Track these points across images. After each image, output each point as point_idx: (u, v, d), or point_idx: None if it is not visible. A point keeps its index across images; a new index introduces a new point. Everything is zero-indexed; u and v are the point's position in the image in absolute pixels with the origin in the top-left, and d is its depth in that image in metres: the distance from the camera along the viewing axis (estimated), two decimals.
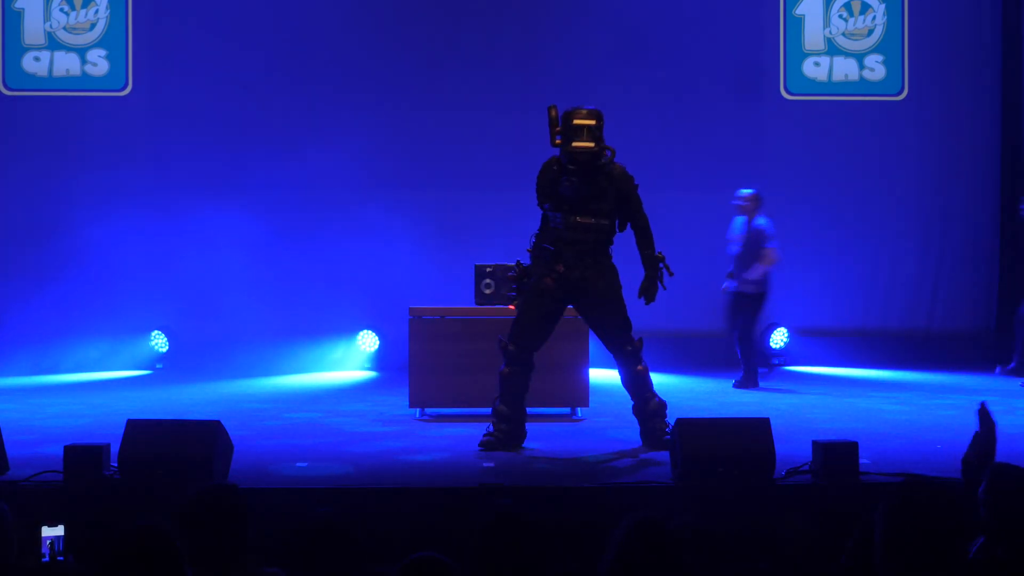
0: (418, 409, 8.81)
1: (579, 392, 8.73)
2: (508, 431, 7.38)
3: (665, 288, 7.53)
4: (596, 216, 7.38)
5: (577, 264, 7.37)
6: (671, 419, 6.52)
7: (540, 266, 7.45)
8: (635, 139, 12.78)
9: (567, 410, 8.83)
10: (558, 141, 7.37)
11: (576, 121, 7.30)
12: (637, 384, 7.43)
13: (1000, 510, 3.74)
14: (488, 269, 9.01)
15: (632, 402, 7.51)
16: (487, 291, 8.96)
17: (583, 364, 8.68)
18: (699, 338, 12.68)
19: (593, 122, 7.33)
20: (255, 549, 4.15)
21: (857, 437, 6.41)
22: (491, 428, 7.40)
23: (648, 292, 7.46)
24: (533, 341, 7.43)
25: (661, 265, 7.48)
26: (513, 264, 7.65)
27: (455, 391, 8.72)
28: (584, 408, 8.78)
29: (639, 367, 7.44)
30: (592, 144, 7.31)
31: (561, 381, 8.59)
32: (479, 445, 7.33)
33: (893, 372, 11.63)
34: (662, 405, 7.41)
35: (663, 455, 6.57)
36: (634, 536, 3.59)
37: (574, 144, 7.28)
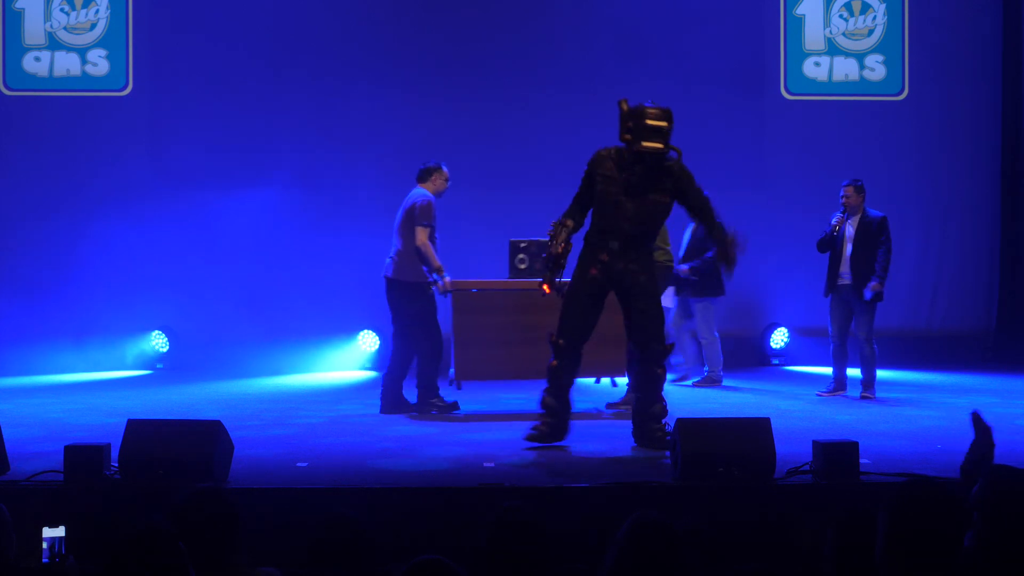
0: (453, 385, 9.18)
1: (607, 362, 8.88)
2: (555, 425, 7.40)
3: (742, 251, 7.31)
4: (648, 211, 7.36)
5: (622, 255, 7.34)
6: (671, 418, 6.52)
7: (586, 255, 7.43)
8: None
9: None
10: (627, 136, 7.29)
11: (649, 122, 7.21)
12: (649, 385, 7.39)
13: (995, 511, 3.74)
14: (522, 244, 9.23)
15: (635, 400, 7.50)
16: (521, 266, 9.18)
17: (612, 333, 8.58)
18: None
19: (665, 124, 7.26)
20: (254, 549, 4.14)
21: (858, 437, 6.41)
22: (538, 421, 7.40)
23: (725, 257, 7.29)
24: (581, 335, 7.40)
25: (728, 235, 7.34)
26: (547, 240, 7.50)
27: (497, 363, 8.91)
28: (621, 378, 9.09)
29: (659, 369, 7.40)
30: (661, 145, 7.25)
31: (603, 351, 8.64)
32: (526, 438, 7.34)
33: (893, 372, 11.62)
34: (664, 412, 7.39)
35: (664, 455, 6.56)
36: (637, 535, 3.59)
37: (644, 144, 7.22)
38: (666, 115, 7.29)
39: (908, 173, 13.17)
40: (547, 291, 7.38)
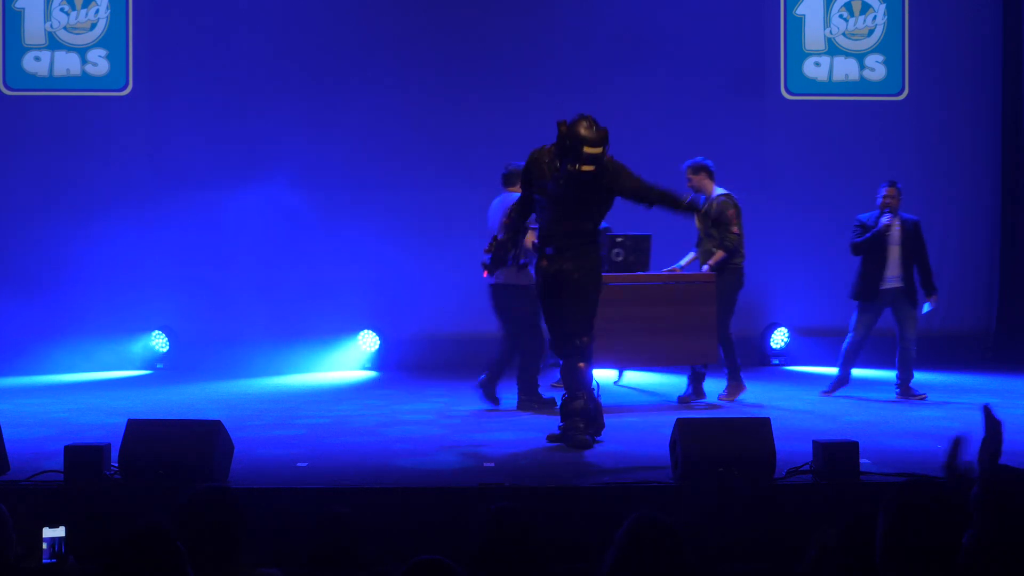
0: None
1: (708, 350, 9.35)
2: (595, 423, 7.53)
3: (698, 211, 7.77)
4: (582, 219, 7.52)
5: (558, 257, 7.51)
6: (672, 418, 6.51)
7: (538, 265, 7.66)
8: (636, 138, 12.80)
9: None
10: (563, 156, 7.36)
11: (587, 150, 7.29)
12: (573, 379, 7.49)
13: (994, 511, 3.74)
14: (618, 239, 9.61)
15: (562, 396, 7.60)
16: (617, 259, 9.55)
17: (711, 324, 9.28)
18: None
19: (600, 151, 7.35)
20: (254, 549, 4.14)
21: (858, 437, 6.41)
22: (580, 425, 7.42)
23: (698, 218, 7.67)
24: (536, 334, 7.78)
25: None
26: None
27: (616, 352, 9.32)
28: (712, 364, 9.50)
29: (581, 363, 7.50)
30: (594, 168, 7.36)
31: (691, 340, 9.27)
32: (580, 446, 7.33)
33: (894, 372, 11.61)
34: (584, 407, 7.43)
35: (664, 454, 6.56)
36: (635, 534, 3.58)
37: (580, 167, 7.31)
38: (602, 139, 7.38)
39: (908, 173, 13.15)
40: (487, 274, 7.94)
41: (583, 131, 7.33)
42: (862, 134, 13.21)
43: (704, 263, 9.57)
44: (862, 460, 6.19)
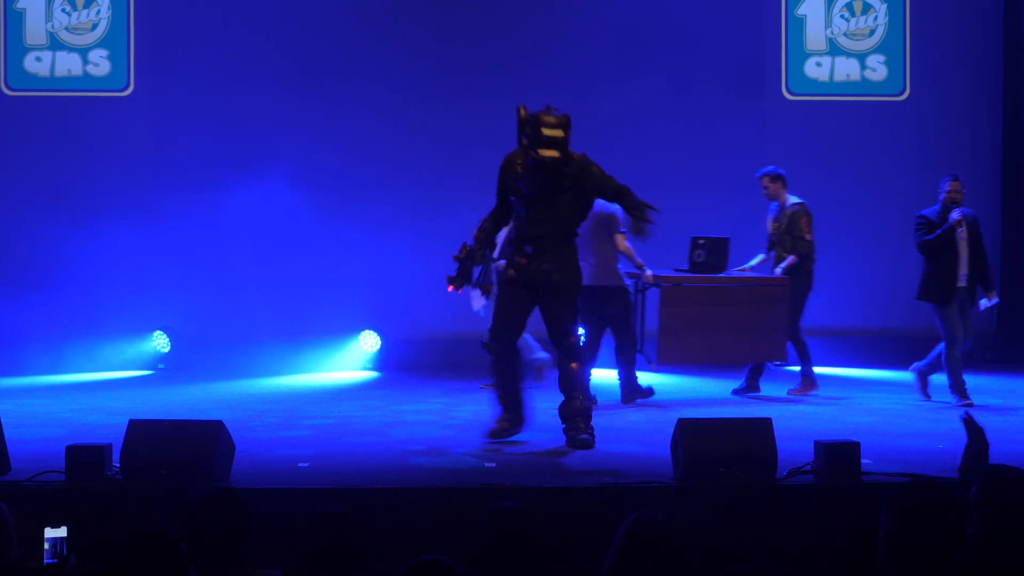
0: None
1: (777, 348, 9.81)
2: (513, 419, 7.59)
3: (649, 222, 7.57)
4: (557, 212, 7.54)
5: (537, 256, 7.52)
6: (674, 418, 6.51)
7: (509, 259, 7.73)
8: (636, 138, 12.83)
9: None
10: (524, 142, 7.52)
11: (545, 132, 7.38)
12: (567, 381, 7.53)
13: (993, 510, 3.74)
14: (701, 241, 9.95)
15: (561, 398, 7.61)
16: (698, 260, 9.90)
17: (782, 323, 9.76)
18: None
19: (560, 134, 7.41)
20: (255, 550, 4.15)
21: (859, 437, 6.41)
22: (498, 417, 7.58)
23: (639, 228, 7.56)
24: (513, 334, 7.65)
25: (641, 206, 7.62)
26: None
27: (698, 349, 9.87)
28: (781, 362, 10.04)
29: (573, 364, 7.54)
30: (557, 154, 7.40)
31: (762, 339, 9.75)
32: (488, 435, 7.50)
33: (895, 372, 11.61)
34: (583, 407, 7.49)
35: (665, 454, 6.56)
36: (636, 534, 3.58)
37: (541, 152, 7.39)
38: (562, 123, 7.42)
39: (909, 173, 13.15)
40: (449, 287, 7.77)
41: (542, 115, 7.42)
42: (863, 134, 13.20)
43: (776, 266, 10.01)
44: (863, 460, 6.20)
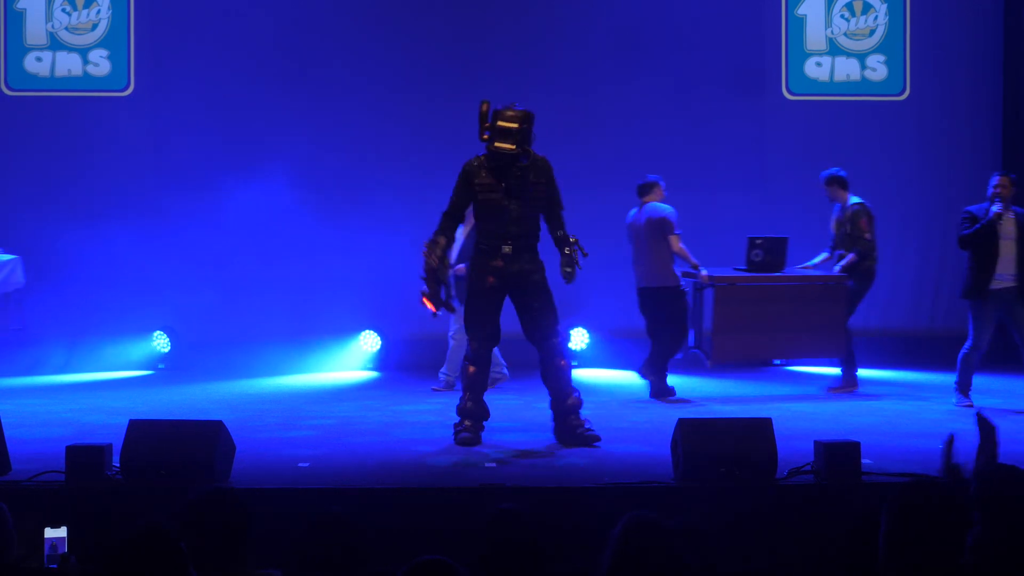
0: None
1: (835, 345, 10.04)
2: (477, 428, 7.63)
3: (581, 268, 7.69)
4: (530, 209, 7.61)
5: (515, 258, 7.57)
6: (673, 419, 6.52)
7: (480, 263, 7.65)
8: (636, 138, 12.82)
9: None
10: (485, 137, 7.57)
11: (500, 123, 7.49)
12: (557, 378, 7.59)
13: (994, 510, 3.74)
14: (758, 241, 10.23)
15: (549, 397, 7.66)
16: (756, 259, 10.16)
17: (839, 320, 9.94)
18: (701, 338, 12.66)
19: (515, 126, 7.49)
20: (255, 550, 4.15)
21: (859, 437, 6.41)
22: (462, 424, 7.60)
23: (570, 274, 7.65)
24: (491, 339, 7.67)
25: (576, 248, 7.68)
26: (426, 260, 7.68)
27: (751, 346, 10.18)
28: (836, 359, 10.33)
29: (562, 361, 7.63)
30: (513, 147, 7.48)
31: (819, 337, 10.03)
32: (458, 443, 7.50)
33: (895, 372, 11.62)
34: (578, 402, 7.60)
35: (665, 454, 6.56)
36: (630, 535, 3.59)
37: (496, 144, 7.48)
38: (519, 118, 7.52)
39: (910, 173, 13.16)
40: (432, 308, 7.73)
41: (502, 110, 7.54)
42: (863, 134, 13.19)
43: (836, 265, 10.20)
44: (864, 460, 6.20)
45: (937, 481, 5.35)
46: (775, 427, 6.30)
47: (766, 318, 9.95)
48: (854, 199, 10.24)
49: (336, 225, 12.37)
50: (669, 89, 12.95)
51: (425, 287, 7.68)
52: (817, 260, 10.45)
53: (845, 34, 13.26)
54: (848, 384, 10.17)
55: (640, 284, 9.89)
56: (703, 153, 12.90)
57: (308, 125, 12.66)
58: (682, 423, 6.30)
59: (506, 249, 7.55)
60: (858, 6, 13.25)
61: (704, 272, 9.96)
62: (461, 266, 10.35)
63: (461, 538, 4.88)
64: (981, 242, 9.18)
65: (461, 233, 10.47)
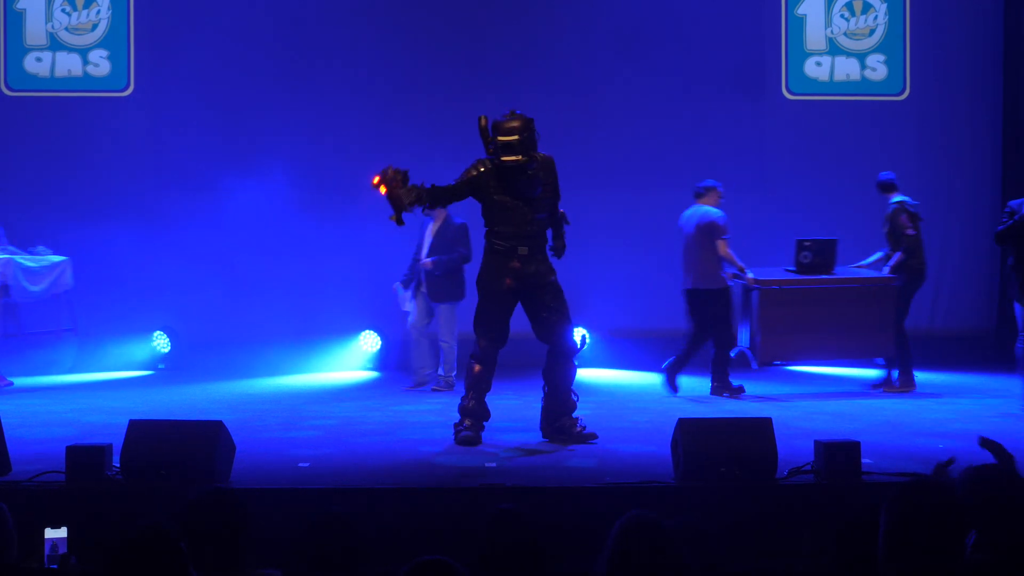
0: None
1: (884, 346, 10.19)
2: (479, 428, 7.63)
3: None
4: (540, 212, 7.69)
5: (531, 259, 7.63)
6: (673, 419, 6.52)
7: (494, 264, 7.66)
8: (636, 138, 12.83)
9: None
10: (490, 151, 7.65)
11: (501, 139, 7.56)
12: (563, 377, 7.66)
13: (982, 510, 3.74)
14: (807, 243, 10.40)
15: (545, 389, 7.71)
16: (804, 261, 10.35)
17: (888, 320, 10.11)
18: None
19: (515, 138, 7.54)
20: (255, 550, 4.15)
21: (859, 437, 6.41)
22: (463, 424, 7.61)
23: (559, 248, 7.86)
24: (502, 341, 7.72)
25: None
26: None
27: (799, 346, 10.28)
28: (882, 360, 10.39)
29: (570, 363, 7.72)
30: (519, 157, 7.55)
31: (866, 338, 10.17)
32: (458, 443, 7.51)
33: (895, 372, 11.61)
34: (574, 406, 7.69)
35: (665, 454, 6.56)
36: (629, 535, 3.58)
37: (503, 159, 7.56)
38: (517, 128, 7.57)
39: (909, 173, 13.14)
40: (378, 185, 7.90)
41: (500, 123, 7.60)
42: (863, 134, 13.20)
43: (885, 265, 10.39)
44: (863, 460, 6.20)
45: (937, 480, 5.34)
46: (775, 427, 6.30)
47: (812, 319, 10.15)
48: (895, 198, 10.38)
49: (336, 225, 12.38)
50: (669, 89, 12.95)
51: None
52: (872, 259, 10.63)
53: (845, 34, 13.26)
54: (905, 385, 10.24)
55: (687, 286, 10.11)
56: (703, 153, 12.89)
57: (308, 125, 12.66)
58: (682, 423, 6.30)
59: (522, 251, 7.61)
60: (858, 6, 13.26)
61: (750, 275, 10.15)
62: (428, 260, 10.38)
63: (461, 538, 4.88)
64: (1015, 237, 9.20)
65: (429, 231, 10.52)
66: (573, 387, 7.74)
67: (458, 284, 10.50)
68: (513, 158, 7.51)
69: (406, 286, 10.73)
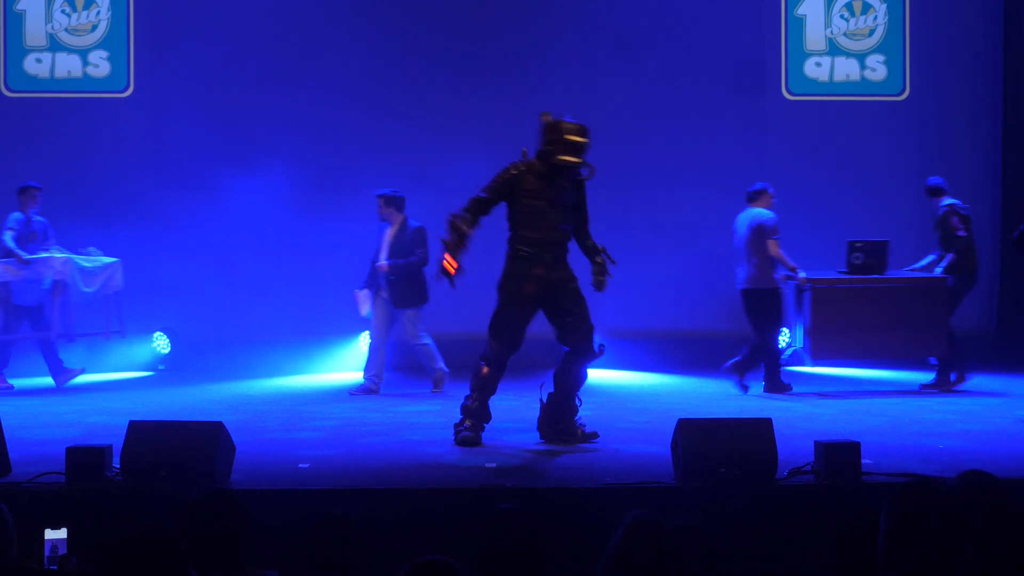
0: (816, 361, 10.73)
1: (934, 346, 10.38)
2: (479, 428, 7.63)
3: (612, 276, 7.77)
4: (567, 219, 7.70)
5: (554, 265, 7.62)
6: (673, 419, 6.52)
7: (518, 269, 7.61)
8: (636, 138, 12.83)
9: None
10: (548, 148, 7.58)
11: (568, 137, 7.55)
12: (574, 382, 7.66)
13: (974, 516, 3.74)
14: (858, 244, 10.63)
15: (551, 391, 7.69)
16: (856, 262, 10.58)
17: (938, 320, 10.30)
18: (702, 338, 12.68)
19: (584, 140, 7.60)
20: (255, 550, 4.15)
21: (859, 437, 6.41)
22: (464, 424, 7.60)
23: (601, 282, 7.73)
24: (516, 346, 7.68)
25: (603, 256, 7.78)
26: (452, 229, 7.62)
27: (850, 346, 10.46)
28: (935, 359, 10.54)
29: (584, 370, 7.73)
30: (578, 160, 7.59)
31: (918, 337, 10.37)
32: (458, 443, 7.51)
33: (895, 372, 11.63)
34: (576, 410, 7.69)
35: (665, 454, 6.56)
36: (632, 535, 3.58)
37: (562, 157, 7.53)
38: (585, 131, 7.62)
39: (909, 173, 13.16)
40: (451, 269, 7.56)
41: (567, 122, 7.59)
42: (863, 134, 13.20)
43: (937, 266, 10.56)
44: (864, 460, 6.20)
45: (937, 481, 5.35)
46: (775, 427, 6.30)
47: (864, 319, 10.35)
48: (945, 201, 10.56)
49: (336, 225, 12.37)
50: (668, 89, 12.96)
51: (448, 251, 7.56)
52: (924, 262, 10.77)
53: (845, 34, 13.27)
54: (947, 383, 10.40)
55: (740, 286, 10.40)
56: (702, 153, 12.91)
57: (307, 125, 12.67)
58: (682, 423, 6.30)
59: (547, 256, 7.59)
60: (857, 6, 13.26)
61: (802, 275, 10.39)
62: (385, 263, 10.35)
63: (461, 538, 4.88)
64: None
65: (387, 233, 10.49)
66: (578, 393, 7.72)
67: (419, 288, 10.43)
68: (572, 159, 7.53)
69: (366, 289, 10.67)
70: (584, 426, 7.63)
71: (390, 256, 10.43)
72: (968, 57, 13.28)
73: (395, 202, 10.57)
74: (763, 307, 10.27)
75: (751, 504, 5.96)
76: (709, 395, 10.24)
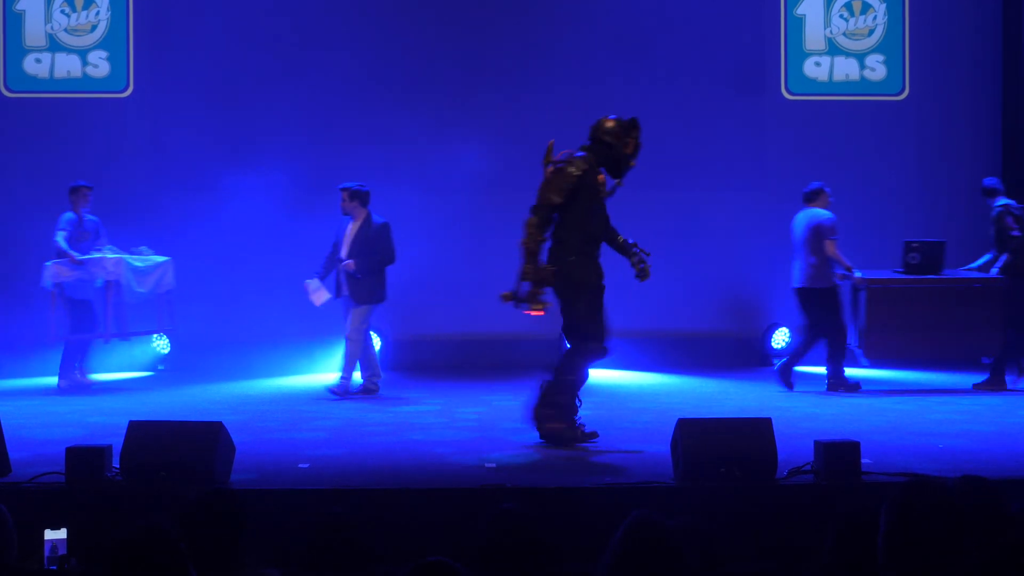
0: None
1: (989, 345, 10.49)
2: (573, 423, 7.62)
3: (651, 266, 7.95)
4: (608, 218, 7.87)
5: (598, 267, 7.78)
6: (673, 419, 6.52)
7: (588, 265, 7.66)
8: None
9: None
10: (628, 151, 7.75)
11: (638, 140, 7.79)
12: (569, 379, 7.65)
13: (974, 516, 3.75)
14: (914, 245, 10.79)
15: (549, 380, 7.63)
16: (912, 262, 10.71)
17: (993, 320, 10.39)
18: (702, 338, 12.68)
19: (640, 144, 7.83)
20: (255, 551, 4.15)
21: (859, 437, 6.41)
22: (579, 421, 7.59)
23: (645, 270, 7.91)
24: (607, 335, 7.79)
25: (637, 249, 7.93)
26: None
27: (904, 346, 10.59)
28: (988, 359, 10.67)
29: (589, 368, 7.79)
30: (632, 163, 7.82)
31: (973, 337, 10.50)
32: (585, 442, 7.49)
33: (894, 371, 11.63)
34: (576, 408, 7.63)
35: (665, 454, 6.56)
36: (632, 535, 3.58)
37: (634, 159, 7.79)
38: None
39: (909, 173, 13.17)
40: (539, 312, 7.60)
41: (638, 125, 7.80)
42: (862, 134, 13.20)
43: (992, 266, 10.64)
44: (863, 460, 6.20)
45: (937, 481, 5.35)
46: (775, 427, 6.30)
47: (918, 318, 10.47)
48: (1000, 201, 10.62)
49: (337, 226, 12.36)
50: (668, 89, 12.95)
51: (525, 288, 7.53)
52: (980, 263, 10.84)
53: (844, 34, 13.26)
54: (999, 384, 10.45)
55: (796, 284, 10.51)
56: (702, 153, 12.90)
57: (307, 125, 12.66)
58: (682, 423, 6.30)
59: (597, 252, 7.75)
60: (857, 6, 13.26)
61: (858, 274, 10.50)
62: (350, 262, 10.27)
63: (462, 538, 4.88)
64: None
65: (350, 229, 10.38)
66: (579, 393, 7.67)
67: (380, 286, 10.31)
68: (634, 163, 7.75)
69: (321, 280, 10.59)
70: (584, 426, 7.61)
71: (352, 252, 10.28)
72: (968, 57, 13.28)
73: (360, 196, 10.36)
74: (823, 305, 10.35)
75: (751, 504, 5.96)
76: (709, 395, 10.24)
